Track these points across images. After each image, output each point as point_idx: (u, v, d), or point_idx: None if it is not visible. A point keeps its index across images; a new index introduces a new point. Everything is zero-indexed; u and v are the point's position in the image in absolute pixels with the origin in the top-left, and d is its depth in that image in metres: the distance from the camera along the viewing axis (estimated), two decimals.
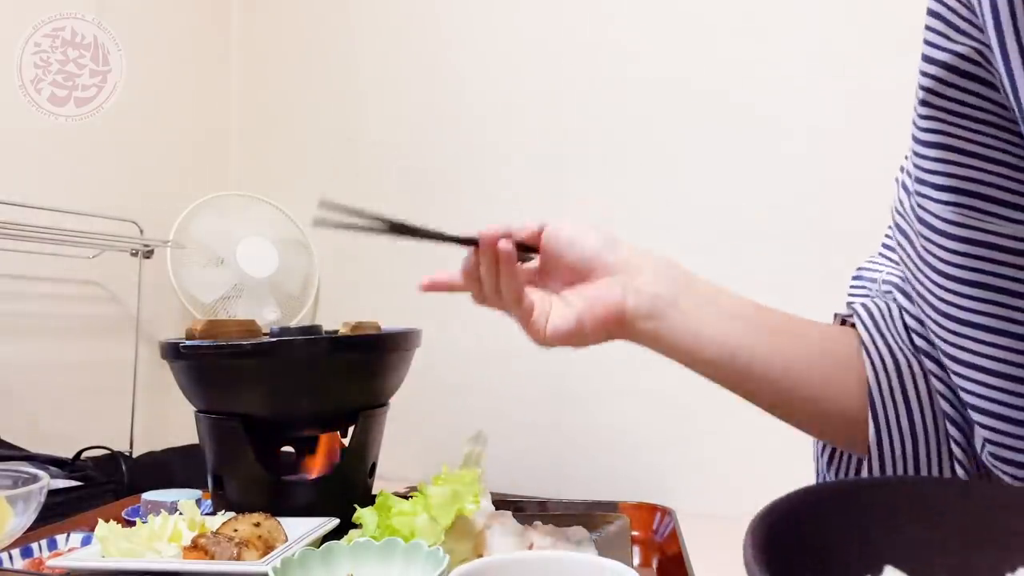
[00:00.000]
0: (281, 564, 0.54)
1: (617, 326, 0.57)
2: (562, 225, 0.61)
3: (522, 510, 0.77)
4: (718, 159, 1.41)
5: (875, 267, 0.62)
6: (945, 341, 0.45)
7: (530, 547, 0.65)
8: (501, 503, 0.74)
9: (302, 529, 0.67)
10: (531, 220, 0.62)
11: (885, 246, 0.63)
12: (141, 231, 1.59)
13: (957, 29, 0.41)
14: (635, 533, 0.78)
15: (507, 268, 0.60)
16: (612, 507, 0.82)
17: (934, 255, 0.44)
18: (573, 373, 1.50)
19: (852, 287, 0.65)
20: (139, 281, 1.59)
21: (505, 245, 0.60)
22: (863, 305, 0.57)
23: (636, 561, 0.73)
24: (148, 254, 1.58)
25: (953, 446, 0.50)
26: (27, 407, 1.42)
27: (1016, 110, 0.38)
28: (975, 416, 0.45)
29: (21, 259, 1.40)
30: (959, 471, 0.50)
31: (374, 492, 0.77)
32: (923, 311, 0.47)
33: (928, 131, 0.43)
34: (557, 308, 0.59)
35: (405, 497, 0.67)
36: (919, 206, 0.45)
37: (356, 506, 0.67)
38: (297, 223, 1.77)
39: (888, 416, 0.53)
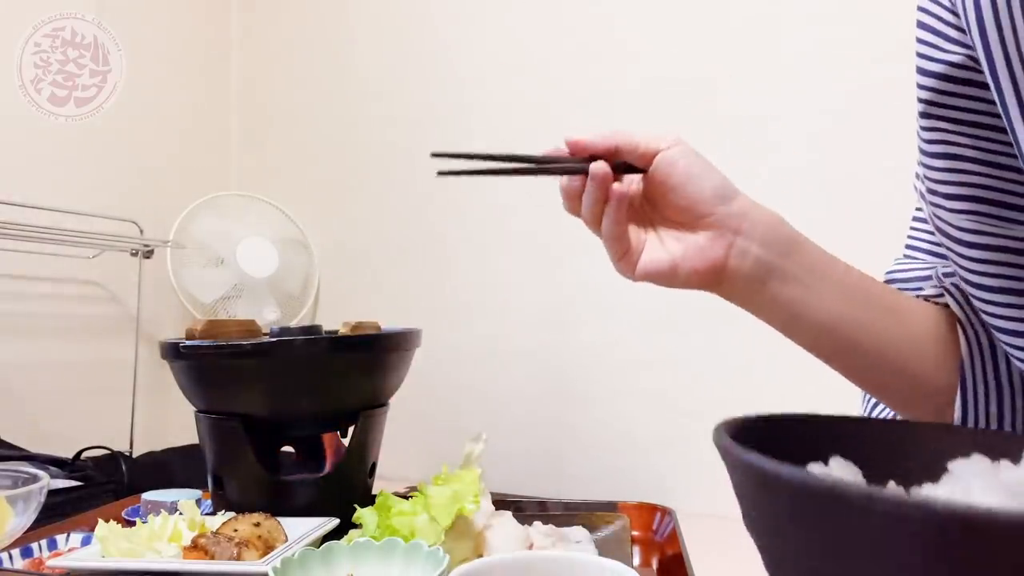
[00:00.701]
0: (281, 564, 0.54)
1: (713, 282, 0.54)
2: (677, 158, 0.54)
3: (522, 510, 0.77)
4: (717, 159, 1.41)
5: (911, 267, 0.60)
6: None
7: (530, 547, 0.65)
8: (501, 503, 0.74)
9: (302, 529, 0.67)
10: (644, 136, 0.54)
11: (911, 247, 0.62)
12: (141, 231, 1.59)
13: (948, 38, 0.41)
14: (635, 533, 0.78)
15: (615, 210, 0.55)
16: (612, 507, 0.82)
17: (959, 264, 0.44)
18: (573, 373, 1.50)
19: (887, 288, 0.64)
20: (139, 281, 1.59)
21: (620, 189, 0.54)
22: (954, 285, 0.54)
23: (636, 561, 0.73)
24: (148, 254, 1.58)
25: None
26: (27, 407, 1.42)
27: (1003, 116, 0.38)
28: None
29: (21, 259, 1.40)
30: None
31: (374, 492, 0.77)
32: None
33: (933, 142, 0.43)
34: (652, 247, 0.55)
35: (405, 497, 0.67)
36: (935, 216, 0.44)
37: (356, 506, 0.67)
38: (297, 223, 1.77)
39: (978, 397, 0.52)
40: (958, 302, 0.53)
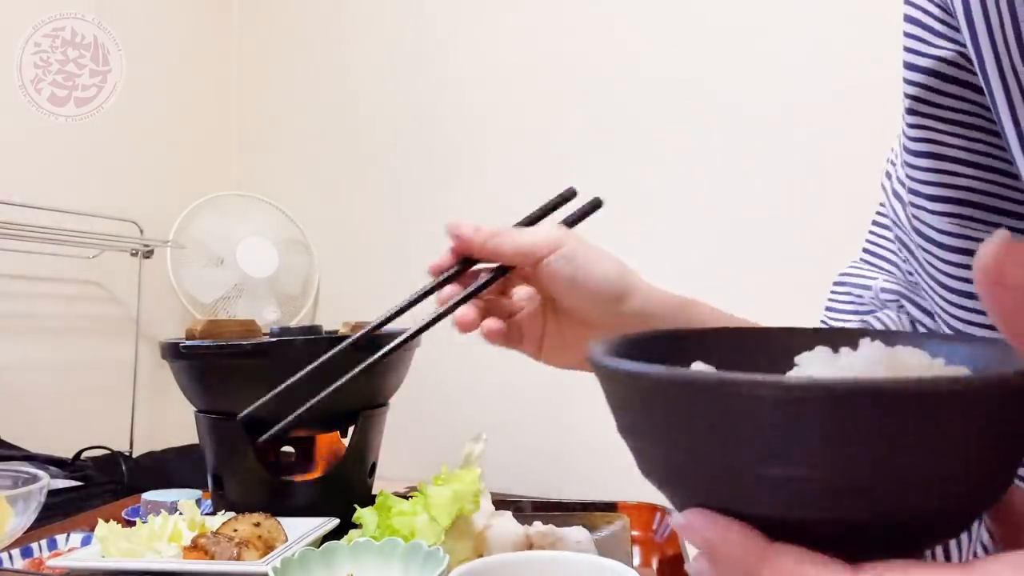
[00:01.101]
0: (281, 564, 0.54)
1: None
2: (557, 269, 0.51)
3: (522, 510, 0.77)
4: (717, 159, 1.41)
5: (862, 274, 0.61)
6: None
7: (530, 547, 0.65)
8: (501, 503, 0.74)
9: (302, 529, 0.67)
10: (522, 246, 0.52)
11: (868, 251, 0.61)
12: (141, 231, 1.59)
13: (936, 33, 0.40)
14: (635, 533, 0.78)
15: (497, 339, 0.53)
16: (612, 507, 0.82)
17: (937, 268, 0.42)
18: (573, 373, 1.50)
19: (835, 293, 0.63)
20: (139, 281, 1.59)
21: (493, 325, 0.52)
22: (879, 320, 0.55)
23: (636, 561, 0.73)
24: (148, 254, 1.58)
25: None
26: (27, 407, 1.42)
27: (996, 116, 0.37)
28: None
29: (21, 259, 1.40)
30: None
31: (374, 492, 0.77)
32: (942, 326, 0.45)
33: (918, 140, 0.41)
34: (552, 340, 0.55)
35: (405, 497, 0.67)
36: (915, 217, 0.43)
37: (356, 506, 0.67)
38: (297, 223, 1.77)
39: None
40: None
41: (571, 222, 0.59)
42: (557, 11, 1.58)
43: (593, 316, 0.52)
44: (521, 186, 1.59)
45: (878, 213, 0.60)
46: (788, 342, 0.32)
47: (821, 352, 0.29)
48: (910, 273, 0.50)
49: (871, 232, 0.59)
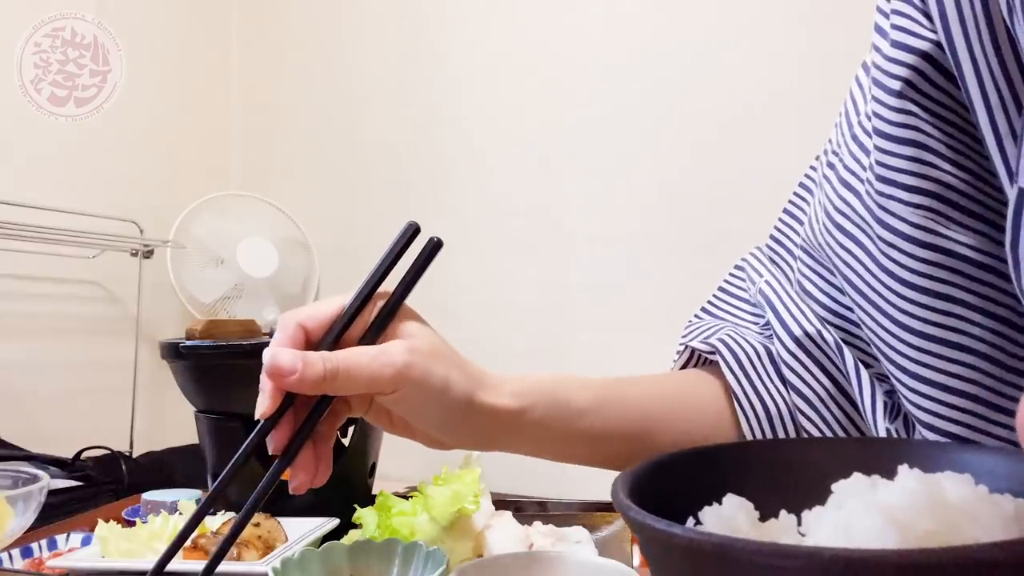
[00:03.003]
0: (281, 564, 0.54)
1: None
2: (392, 405, 0.46)
3: (522, 510, 0.77)
4: (719, 158, 1.41)
5: (758, 265, 0.60)
6: (900, 354, 0.42)
7: (530, 547, 0.65)
8: (501, 503, 0.74)
9: (302, 529, 0.67)
10: (359, 381, 0.44)
11: (774, 239, 0.60)
12: (141, 231, 1.59)
13: (928, 15, 0.39)
14: (635, 533, 0.78)
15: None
16: (612, 507, 0.82)
17: (895, 261, 0.41)
18: (573, 373, 1.50)
19: (733, 275, 0.63)
20: (139, 281, 1.59)
21: (324, 480, 0.47)
22: (726, 346, 0.55)
23: (636, 561, 0.73)
24: (148, 254, 1.58)
25: None
26: (27, 407, 1.42)
27: (971, 111, 0.37)
28: (928, 435, 0.42)
29: (21, 259, 1.40)
30: None
31: (374, 492, 0.77)
32: (874, 322, 0.44)
33: (901, 126, 0.40)
34: (399, 430, 0.51)
35: (405, 497, 0.67)
36: (881, 207, 0.41)
37: (356, 506, 0.67)
38: (297, 223, 1.77)
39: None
40: (730, 368, 0.53)
41: (415, 272, 0.54)
42: (558, 11, 1.58)
43: (437, 437, 0.49)
44: (521, 186, 1.59)
45: (791, 203, 0.60)
46: (820, 461, 0.31)
47: (857, 483, 0.28)
48: (836, 288, 0.50)
49: (781, 221, 0.60)
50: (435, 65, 1.71)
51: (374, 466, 0.85)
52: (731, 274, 0.64)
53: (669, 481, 0.28)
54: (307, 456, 0.46)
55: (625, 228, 1.48)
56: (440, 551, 0.55)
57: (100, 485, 1.22)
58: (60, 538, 0.74)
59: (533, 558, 0.56)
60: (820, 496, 0.28)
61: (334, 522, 0.70)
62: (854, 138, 0.46)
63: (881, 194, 0.41)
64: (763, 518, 0.29)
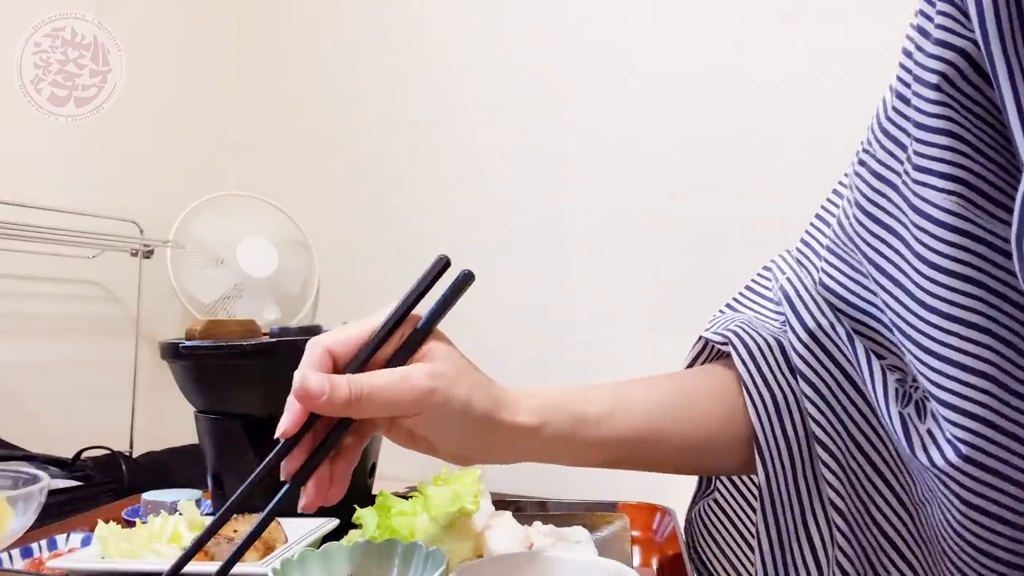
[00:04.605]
0: (281, 564, 0.54)
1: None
2: (415, 427, 0.49)
3: (522, 510, 0.77)
4: (719, 157, 1.41)
5: (784, 265, 0.63)
6: (924, 335, 0.44)
7: (530, 547, 0.65)
8: (501, 503, 0.75)
9: (302, 529, 0.67)
10: (381, 405, 0.47)
11: (803, 242, 0.62)
12: (141, 231, 1.59)
13: (967, 15, 0.40)
14: (635, 533, 0.78)
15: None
16: (612, 507, 0.82)
17: (927, 245, 0.43)
18: (573, 373, 1.50)
19: (760, 275, 0.67)
20: (139, 281, 1.59)
21: (336, 496, 0.49)
22: (738, 336, 0.57)
23: (636, 561, 0.73)
24: (148, 254, 1.58)
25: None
26: (27, 407, 1.42)
27: (1003, 112, 0.38)
28: (948, 414, 0.44)
29: (21, 259, 1.40)
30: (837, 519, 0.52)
31: (374, 492, 0.77)
32: (900, 305, 0.46)
33: (938, 117, 0.42)
34: (417, 446, 0.53)
35: (405, 497, 0.67)
36: (917, 195, 0.44)
37: (356, 506, 0.67)
38: (297, 223, 1.77)
39: (775, 461, 0.55)
40: (742, 360, 0.56)
41: (445, 301, 0.56)
42: (557, 12, 1.58)
43: (460, 460, 0.52)
44: (521, 186, 1.59)
45: (823, 208, 0.62)
46: None
47: None
48: (866, 288, 0.51)
49: (812, 226, 0.62)
50: (435, 65, 1.71)
51: (374, 466, 0.85)
52: (759, 274, 0.66)
53: None
54: (323, 475, 0.48)
55: (625, 228, 1.48)
56: (440, 551, 0.55)
57: (100, 485, 1.22)
58: (60, 538, 0.74)
59: (533, 558, 0.56)
60: None
61: (334, 522, 0.70)
62: (885, 133, 0.48)
63: (917, 182, 0.44)
64: None
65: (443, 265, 0.57)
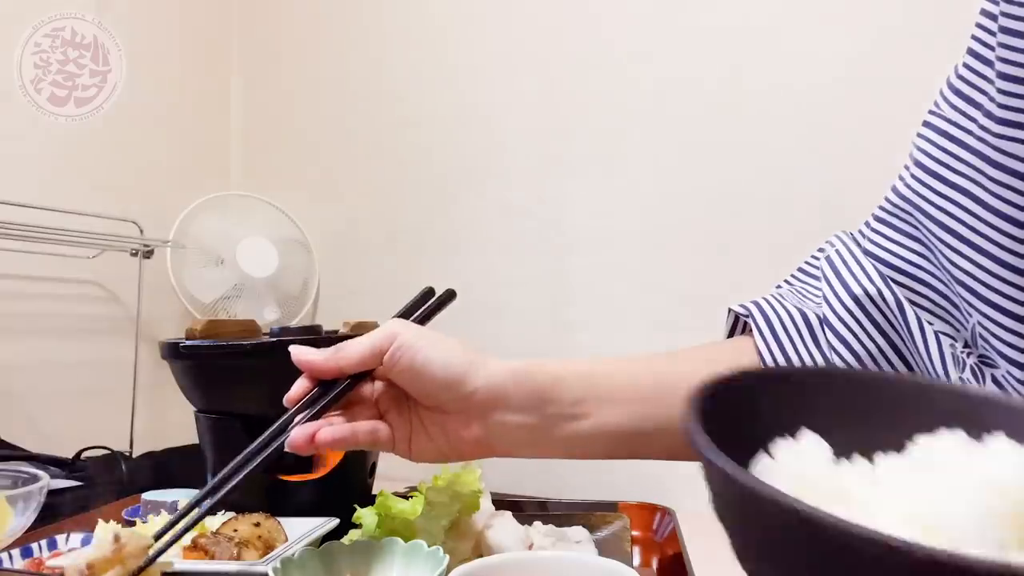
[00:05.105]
0: (281, 564, 0.54)
1: (487, 453, 0.54)
2: (400, 356, 0.52)
3: (522, 510, 0.77)
4: (719, 156, 1.41)
5: (836, 241, 0.62)
6: (1003, 295, 0.44)
7: (530, 547, 0.65)
8: (501, 503, 0.75)
9: (302, 529, 0.67)
10: (363, 343, 0.53)
11: (878, 219, 0.62)
12: (141, 231, 1.59)
13: None
14: (635, 533, 0.78)
15: (344, 439, 0.52)
16: (612, 507, 0.82)
17: (1011, 202, 0.43)
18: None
19: (814, 256, 0.65)
20: (139, 281, 1.59)
21: (324, 436, 0.51)
22: (758, 307, 0.57)
23: (636, 561, 0.73)
24: (148, 254, 1.58)
25: None
26: (27, 407, 1.42)
27: None
28: (1017, 372, 0.43)
29: (21, 259, 1.40)
30: None
31: (374, 492, 0.77)
32: (971, 263, 0.46)
33: None
34: (419, 437, 0.54)
35: (405, 497, 0.67)
36: (1000, 150, 0.43)
37: (356, 506, 0.67)
38: (297, 223, 1.77)
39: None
40: (760, 332, 0.55)
41: (425, 315, 0.62)
42: (559, 11, 1.58)
43: (443, 400, 0.53)
44: (521, 187, 1.59)
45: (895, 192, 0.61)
46: (903, 404, 0.28)
47: (947, 444, 0.25)
48: (920, 255, 0.51)
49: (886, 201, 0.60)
50: (435, 66, 1.71)
51: (374, 466, 0.85)
52: (812, 255, 0.65)
53: (746, 403, 0.26)
54: (301, 430, 0.52)
55: (625, 228, 1.48)
56: (440, 551, 0.55)
57: (100, 485, 1.22)
58: (60, 538, 0.73)
59: (533, 558, 0.56)
60: (898, 440, 0.26)
61: (334, 522, 0.70)
62: (956, 92, 0.48)
63: (1003, 136, 0.43)
64: (836, 455, 0.27)
65: (425, 293, 0.65)
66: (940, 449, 0.25)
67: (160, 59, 1.73)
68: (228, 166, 1.93)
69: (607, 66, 1.52)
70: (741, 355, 0.57)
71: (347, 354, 0.53)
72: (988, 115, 0.45)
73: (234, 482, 0.53)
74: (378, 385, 0.56)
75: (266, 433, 0.54)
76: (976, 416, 0.26)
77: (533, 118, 1.59)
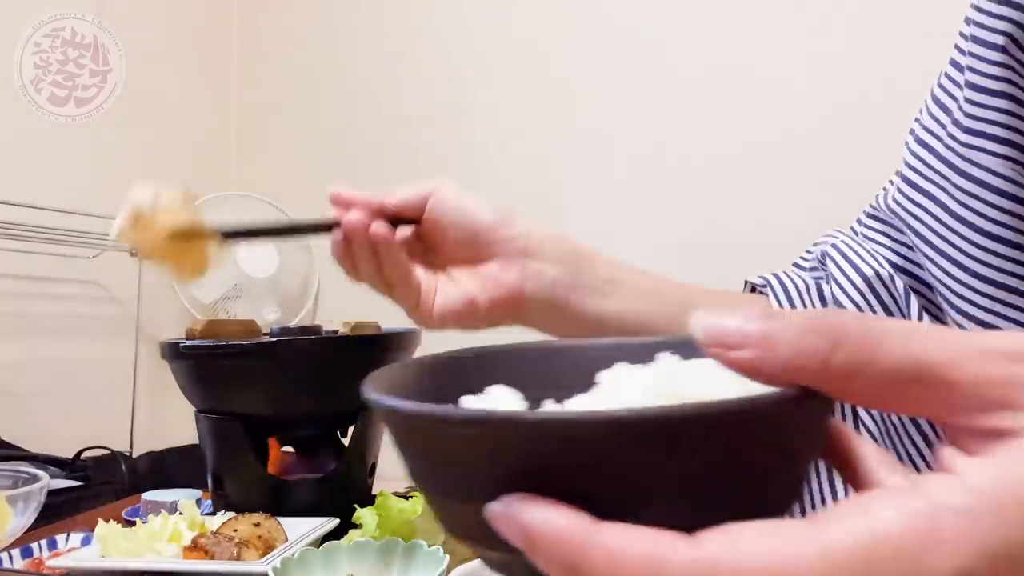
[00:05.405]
0: (281, 564, 0.54)
1: (514, 311, 0.53)
2: (447, 195, 0.53)
3: None
4: (718, 156, 1.41)
5: (832, 232, 0.63)
6: (968, 301, 0.44)
7: None
8: None
9: (302, 529, 0.67)
10: (409, 187, 0.54)
11: (869, 215, 0.62)
12: None
13: None
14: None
15: (387, 254, 0.53)
16: None
17: (975, 211, 0.43)
18: None
19: (808, 252, 0.65)
20: (139, 281, 1.59)
21: (379, 228, 0.53)
22: (776, 277, 0.57)
23: None
24: None
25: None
26: (27, 407, 1.42)
27: None
28: None
29: (21, 259, 1.40)
30: None
31: (374, 492, 0.77)
32: (943, 271, 0.46)
33: (999, 79, 0.42)
34: (445, 288, 0.54)
35: (405, 497, 0.67)
36: (966, 159, 0.43)
37: (356, 506, 0.67)
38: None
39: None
40: (778, 298, 0.55)
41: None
42: (559, 10, 1.58)
43: (489, 241, 0.53)
44: (522, 186, 1.59)
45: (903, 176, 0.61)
46: (591, 357, 0.30)
47: (619, 369, 0.28)
48: (908, 247, 0.51)
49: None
50: (435, 64, 1.71)
51: (374, 466, 0.85)
52: (807, 250, 0.65)
53: (434, 379, 0.27)
54: (358, 215, 0.54)
55: (624, 228, 1.48)
56: (440, 551, 0.55)
57: (100, 485, 1.22)
58: (60, 538, 0.73)
59: None
60: (586, 387, 0.28)
61: (334, 522, 0.70)
62: (935, 100, 0.48)
63: (968, 145, 0.43)
64: (529, 402, 0.29)
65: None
66: (613, 376, 0.28)
67: (160, 59, 1.73)
68: (228, 166, 1.93)
69: (609, 66, 1.52)
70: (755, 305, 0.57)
71: (391, 194, 0.53)
72: (956, 123, 0.45)
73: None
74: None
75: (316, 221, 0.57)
76: (649, 349, 0.29)
77: (534, 117, 1.59)
